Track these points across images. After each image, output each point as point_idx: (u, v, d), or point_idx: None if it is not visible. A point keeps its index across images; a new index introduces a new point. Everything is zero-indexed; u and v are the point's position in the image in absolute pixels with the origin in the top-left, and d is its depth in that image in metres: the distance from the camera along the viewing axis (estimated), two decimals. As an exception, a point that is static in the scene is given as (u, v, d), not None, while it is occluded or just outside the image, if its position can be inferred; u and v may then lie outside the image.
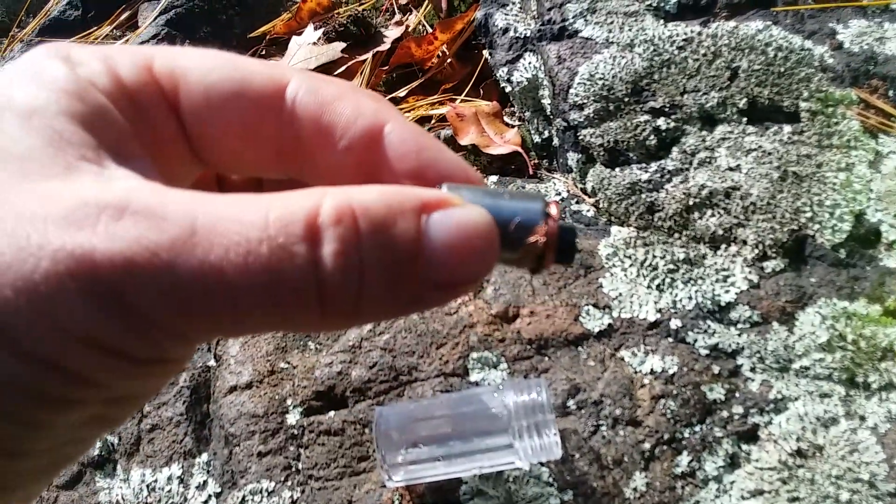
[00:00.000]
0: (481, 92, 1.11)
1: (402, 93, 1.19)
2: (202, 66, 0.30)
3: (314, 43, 1.29)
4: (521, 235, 0.28)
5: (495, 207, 0.28)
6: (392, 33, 1.27)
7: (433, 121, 1.11)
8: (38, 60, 0.28)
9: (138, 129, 0.29)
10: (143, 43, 1.31)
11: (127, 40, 1.45)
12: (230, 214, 0.23)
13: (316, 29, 1.32)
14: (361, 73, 1.23)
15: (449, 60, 1.19)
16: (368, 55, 1.24)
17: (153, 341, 0.24)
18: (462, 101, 1.10)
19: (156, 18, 1.38)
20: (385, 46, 1.25)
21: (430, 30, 1.22)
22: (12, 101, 0.26)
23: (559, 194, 0.85)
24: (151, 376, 0.27)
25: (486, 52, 1.10)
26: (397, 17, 1.34)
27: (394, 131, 0.31)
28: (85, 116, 0.26)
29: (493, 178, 0.90)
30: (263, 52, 1.38)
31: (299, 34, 1.34)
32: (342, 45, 1.26)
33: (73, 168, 0.25)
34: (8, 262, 0.22)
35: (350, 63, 1.25)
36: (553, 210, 0.29)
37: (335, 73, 1.25)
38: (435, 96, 1.15)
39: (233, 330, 0.25)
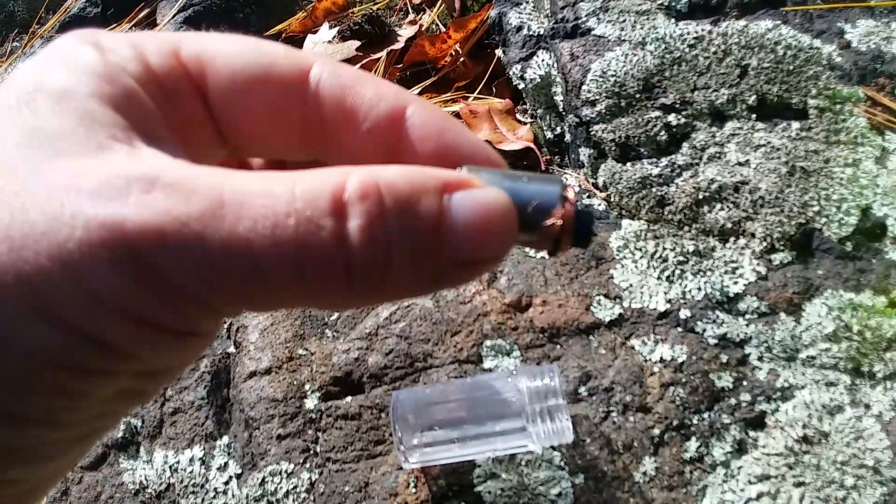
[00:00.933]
0: (494, 90, 1.13)
1: (415, 90, 1.21)
2: (228, 52, 0.31)
3: (329, 41, 1.31)
4: (538, 217, 0.29)
5: (514, 189, 0.29)
6: (406, 32, 1.29)
7: (446, 118, 1.13)
8: (68, 46, 0.28)
9: (166, 113, 0.29)
10: (161, 40, 1.34)
11: (145, 37, 1.47)
12: (257, 189, 0.24)
13: (331, 27, 1.34)
14: (375, 71, 1.25)
15: (462, 59, 1.20)
16: (382, 53, 1.26)
17: (183, 312, 0.24)
18: (475, 98, 1.12)
19: (174, 16, 1.40)
20: (399, 45, 1.27)
21: (443, 29, 1.24)
22: (44, 83, 0.27)
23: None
24: (181, 349, 0.27)
25: (498, 51, 1.12)
26: (411, 16, 1.36)
27: (416, 113, 0.32)
28: (115, 99, 0.27)
29: (506, 173, 0.92)
30: (279, 50, 1.41)
31: (314, 33, 1.36)
32: (357, 43, 1.28)
33: (103, 146, 0.25)
34: (42, 231, 0.23)
35: (364, 61, 1.27)
36: (570, 193, 0.30)
37: (350, 70, 1.27)
38: (448, 94, 1.17)
39: (261, 304, 0.26)
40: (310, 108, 0.32)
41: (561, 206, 0.29)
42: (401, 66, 1.24)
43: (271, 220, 0.23)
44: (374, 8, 1.39)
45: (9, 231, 0.23)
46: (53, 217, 0.23)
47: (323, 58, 0.33)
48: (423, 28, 1.30)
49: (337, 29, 1.32)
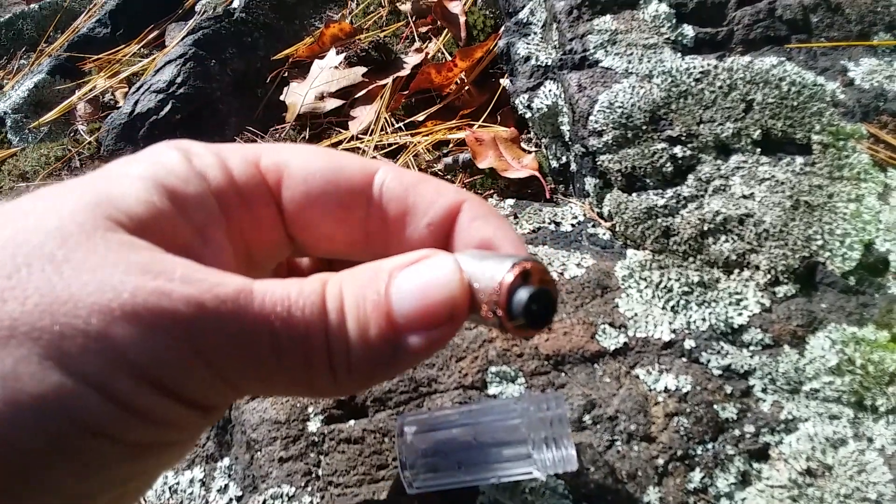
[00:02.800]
0: (498, 118, 1.14)
1: (420, 117, 1.22)
2: (302, 158, 0.35)
3: (336, 67, 1.33)
4: (480, 298, 0.30)
5: (473, 268, 0.30)
6: (412, 59, 1.31)
7: (451, 145, 1.14)
8: (159, 150, 0.32)
9: (238, 218, 0.34)
10: (169, 62, 1.35)
11: (154, 59, 1.49)
12: (277, 285, 0.29)
13: (338, 53, 1.35)
14: (381, 97, 1.27)
15: (467, 87, 1.22)
16: (388, 80, 1.28)
17: (205, 382, 0.27)
18: (479, 126, 1.13)
19: (183, 38, 1.41)
20: (405, 72, 1.28)
21: (449, 57, 1.26)
22: (127, 171, 0.30)
23: (576, 218, 0.87)
24: (190, 428, 0.30)
25: (503, 80, 1.13)
26: (417, 44, 1.38)
27: (467, 210, 0.36)
28: (183, 197, 0.31)
29: (511, 201, 0.93)
30: (286, 74, 1.42)
31: (321, 58, 1.38)
32: (363, 69, 1.30)
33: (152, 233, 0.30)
34: (90, 291, 0.25)
35: (370, 87, 1.28)
36: (512, 272, 0.29)
37: (356, 96, 1.28)
38: (453, 122, 1.18)
39: (269, 384, 0.30)
40: (374, 208, 0.36)
41: (497, 286, 0.29)
42: (406, 92, 1.26)
43: (289, 302, 0.28)
44: (381, 35, 1.40)
45: (54, 288, 0.25)
46: (102, 281, 0.25)
47: (386, 163, 0.37)
48: (430, 56, 1.32)
49: (344, 55, 1.33)
